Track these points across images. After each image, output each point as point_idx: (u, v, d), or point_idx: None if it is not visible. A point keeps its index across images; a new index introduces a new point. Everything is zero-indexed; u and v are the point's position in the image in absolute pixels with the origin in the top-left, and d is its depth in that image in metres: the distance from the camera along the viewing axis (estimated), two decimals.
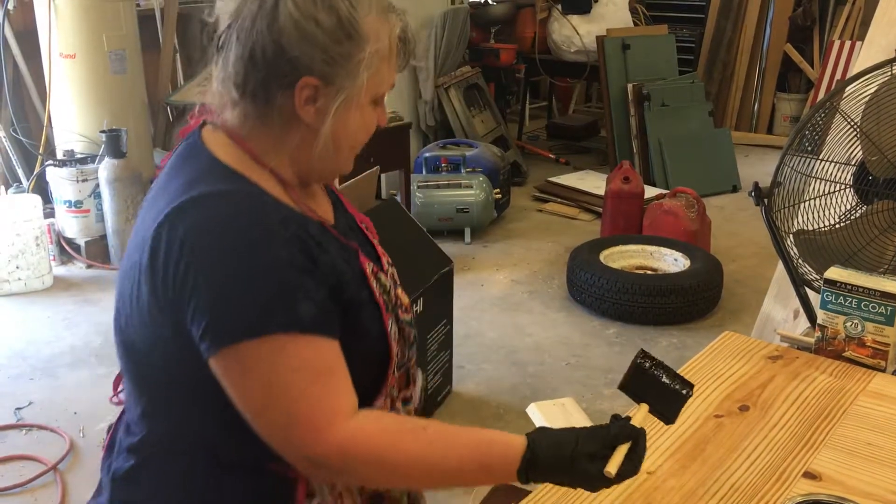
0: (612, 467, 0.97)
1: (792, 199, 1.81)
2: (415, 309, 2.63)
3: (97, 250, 4.32)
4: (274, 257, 0.95)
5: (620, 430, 1.00)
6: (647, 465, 1.24)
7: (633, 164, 5.47)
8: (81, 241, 4.30)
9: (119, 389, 1.19)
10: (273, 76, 0.99)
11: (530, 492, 1.23)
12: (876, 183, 1.75)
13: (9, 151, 4.54)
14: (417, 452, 0.98)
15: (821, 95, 6.28)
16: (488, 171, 4.78)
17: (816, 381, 1.49)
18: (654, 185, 5.34)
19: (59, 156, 4.33)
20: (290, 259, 0.96)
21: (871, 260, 1.75)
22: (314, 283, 0.97)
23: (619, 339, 3.60)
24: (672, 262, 4.02)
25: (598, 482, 0.99)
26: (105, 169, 4.14)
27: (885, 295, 1.49)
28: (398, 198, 4.11)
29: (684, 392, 1.07)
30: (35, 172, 4.44)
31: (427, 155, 4.87)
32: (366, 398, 1.04)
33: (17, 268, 3.96)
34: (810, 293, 1.84)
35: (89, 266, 4.28)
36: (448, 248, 4.01)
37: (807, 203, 1.80)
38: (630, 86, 5.64)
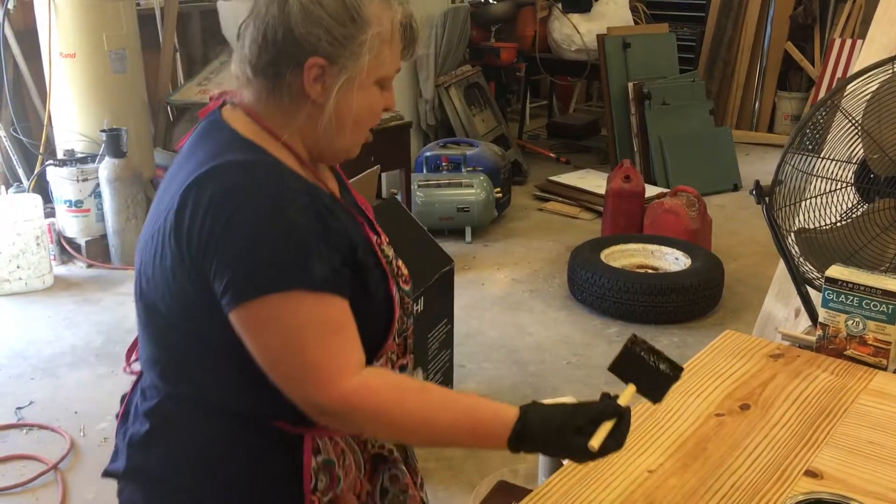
0: (596, 441, 1.03)
1: (793, 197, 1.81)
2: (416, 308, 2.63)
3: (97, 250, 4.32)
4: (292, 221, 1.03)
5: (605, 407, 1.07)
6: (648, 463, 1.24)
7: (634, 162, 5.47)
8: (82, 241, 4.30)
9: (132, 359, 1.26)
10: (282, 55, 1.07)
11: (531, 490, 1.23)
12: (877, 181, 1.74)
13: (9, 151, 4.54)
14: (416, 410, 1.06)
15: (821, 94, 6.27)
16: (489, 170, 4.78)
17: (818, 379, 1.49)
18: (654, 183, 5.34)
19: (60, 155, 4.34)
20: (306, 223, 1.04)
21: (872, 258, 1.74)
22: (327, 246, 1.05)
23: (620, 339, 3.60)
24: (673, 260, 4.02)
25: (582, 454, 1.05)
26: (105, 168, 4.14)
27: (887, 293, 1.49)
28: (399, 197, 4.10)
29: (671, 374, 1.12)
30: (35, 172, 4.44)
31: (428, 154, 4.87)
32: (368, 359, 1.10)
33: (18, 267, 3.96)
34: (811, 291, 1.84)
35: (90, 266, 4.28)
36: (449, 247, 4.01)
37: (808, 201, 1.80)
38: (631, 84, 5.64)
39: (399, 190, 4.34)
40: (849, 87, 1.75)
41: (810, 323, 1.88)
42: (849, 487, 1.19)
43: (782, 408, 1.40)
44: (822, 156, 1.79)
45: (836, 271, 1.56)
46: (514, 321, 3.76)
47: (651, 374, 1.12)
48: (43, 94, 4.50)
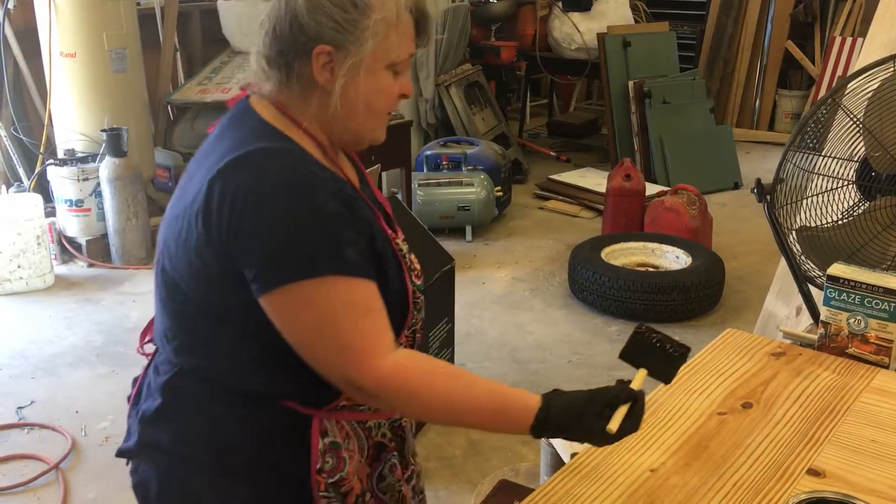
0: (614, 425, 1.09)
1: (794, 195, 1.80)
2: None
3: (98, 249, 4.32)
4: (322, 208, 1.07)
5: (621, 392, 1.12)
6: (650, 462, 1.24)
7: (635, 161, 5.47)
8: (82, 240, 4.30)
9: (146, 340, 1.31)
10: (290, 45, 1.12)
11: (532, 490, 1.22)
12: (879, 179, 1.74)
13: (10, 150, 4.54)
14: (445, 392, 1.12)
15: (822, 92, 6.26)
16: (489, 168, 4.77)
17: (819, 377, 1.49)
18: (655, 182, 5.34)
19: (60, 155, 4.33)
20: (335, 209, 1.08)
21: (874, 256, 1.74)
22: (354, 232, 1.10)
23: (621, 337, 3.59)
24: (673, 259, 4.02)
25: (602, 438, 1.11)
26: (106, 168, 4.14)
27: (889, 291, 1.49)
28: (399, 196, 4.10)
29: (679, 354, 1.18)
30: (36, 171, 4.44)
31: (428, 153, 4.87)
32: None
33: (19, 267, 3.96)
34: (813, 290, 1.83)
35: (90, 265, 4.28)
36: (449, 245, 4.01)
37: (809, 199, 1.80)
38: (631, 83, 5.64)
39: (399, 189, 4.34)
40: (850, 85, 1.75)
41: (812, 321, 1.88)
42: (851, 486, 1.18)
43: (784, 406, 1.40)
44: (823, 154, 1.79)
45: (837, 269, 1.56)
46: (514, 320, 3.75)
47: (660, 357, 1.18)
48: (43, 94, 4.50)
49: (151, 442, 1.21)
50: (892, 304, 1.49)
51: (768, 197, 1.81)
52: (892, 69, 1.71)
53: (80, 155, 4.30)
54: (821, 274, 1.76)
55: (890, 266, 1.72)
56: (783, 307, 2.58)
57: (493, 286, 4.11)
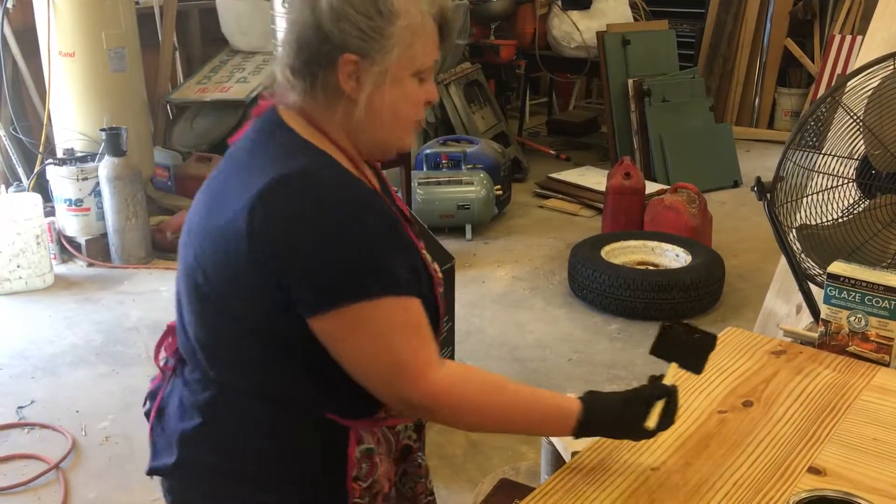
0: (652, 422, 1.16)
1: (794, 193, 1.80)
2: None
3: (98, 248, 4.31)
4: (370, 228, 1.08)
5: (655, 389, 1.19)
6: (651, 460, 1.24)
7: (634, 159, 5.47)
8: (82, 240, 4.30)
9: (167, 353, 1.30)
10: (315, 55, 1.10)
11: (533, 488, 1.22)
12: (879, 177, 1.74)
13: (9, 150, 4.54)
14: (494, 403, 1.15)
15: (821, 90, 6.26)
16: (489, 167, 4.77)
17: (820, 376, 1.49)
18: (654, 180, 5.33)
19: (59, 154, 4.33)
20: (382, 229, 1.09)
21: (874, 254, 1.74)
22: (398, 249, 1.12)
23: (621, 335, 3.60)
24: (673, 257, 4.02)
25: (640, 434, 1.18)
26: (105, 167, 4.14)
27: (889, 289, 1.49)
28: (399, 195, 4.10)
29: (707, 344, 1.23)
30: (35, 171, 4.44)
31: (428, 152, 4.87)
32: None
33: (18, 266, 3.96)
34: (813, 288, 1.83)
35: (90, 264, 4.27)
36: (449, 244, 4.01)
37: (809, 198, 1.80)
38: (630, 81, 5.63)
39: (399, 188, 4.33)
40: (850, 83, 1.74)
41: (812, 319, 1.88)
42: (852, 484, 1.18)
43: (785, 404, 1.40)
44: (823, 152, 1.79)
45: (837, 267, 1.55)
46: (514, 318, 3.75)
47: (688, 349, 1.23)
48: (42, 93, 4.49)
49: (193, 461, 1.20)
50: (893, 302, 1.49)
51: (768, 195, 1.81)
52: (892, 67, 1.71)
53: (79, 154, 4.30)
54: (821, 272, 1.76)
55: (890, 264, 1.72)
56: (783, 305, 2.57)
57: (492, 285, 4.11)
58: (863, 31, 3.80)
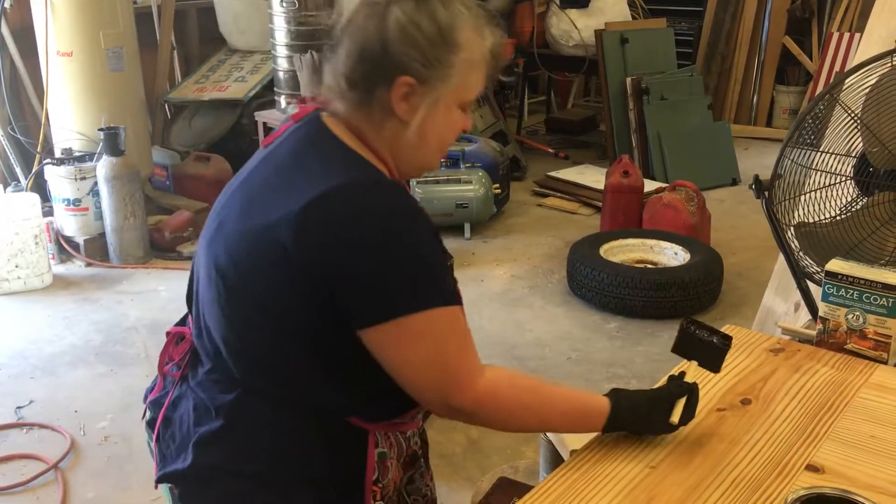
0: (676, 417, 1.23)
1: (792, 191, 1.80)
2: None
3: (96, 248, 4.31)
4: (422, 240, 1.12)
5: (678, 388, 1.25)
6: (649, 459, 1.24)
7: (633, 157, 5.46)
8: (80, 240, 4.30)
9: (174, 360, 1.29)
10: (376, 71, 1.12)
11: (532, 487, 1.22)
12: (876, 174, 1.74)
13: (6, 150, 4.54)
14: (533, 404, 1.21)
15: (820, 88, 6.26)
16: (487, 166, 4.77)
17: (818, 373, 1.49)
18: (653, 178, 5.33)
19: (57, 154, 4.33)
20: (431, 240, 1.14)
21: (872, 252, 1.74)
22: (443, 259, 1.16)
23: (620, 334, 3.60)
24: (672, 255, 4.02)
25: (664, 429, 1.25)
26: (103, 167, 4.13)
27: (887, 287, 1.49)
28: None
29: (723, 345, 1.29)
30: (33, 171, 4.44)
31: None
32: None
33: (17, 266, 3.95)
34: (811, 286, 1.83)
35: (88, 264, 4.27)
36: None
37: (807, 195, 1.80)
38: (629, 79, 5.63)
39: None
40: (848, 80, 1.74)
41: (810, 317, 1.88)
42: (850, 482, 1.18)
43: (783, 402, 1.40)
44: (821, 150, 1.79)
45: (835, 265, 1.55)
46: (513, 317, 3.75)
47: (706, 348, 1.29)
48: (40, 93, 4.49)
49: (211, 464, 1.19)
50: (891, 300, 1.49)
51: (766, 193, 1.80)
52: (889, 64, 1.71)
53: (77, 154, 4.29)
54: (819, 270, 1.76)
55: (888, 261, 1.72)
56: (781, 303, 2.58)
57: (491, 283, 4.11)
58: (861, 29, 3.80)
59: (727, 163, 5.66)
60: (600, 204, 4.72)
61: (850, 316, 1.54)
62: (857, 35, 5.81)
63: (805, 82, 6.78)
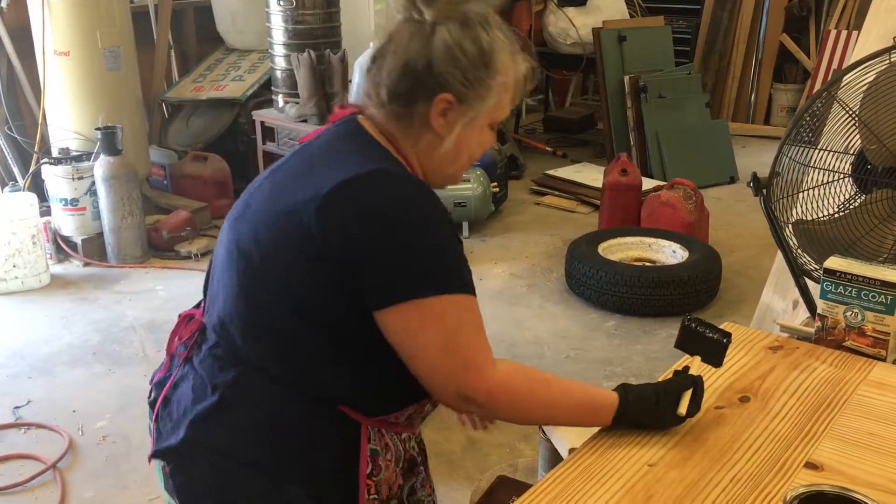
0: (683, 408, 1.26)
1: (790, 189, 1.80)
2: None
3: (94, 248, 4.31)
4: (449, 229, 1.17)
5: (684, 380, 1.27)
6: (648, 456, 1.23)
7: (631, 156, 5.46)
8: (78, 239, 4.29)
9: (183, 339, 1.31)
10: (419, 87, 1.19)
11: (530, 485, 1.22)
12: (874, 172, 1.74)
13: (4, 150, 4.53)
14: (544, 397, 1.23)
15: (817, 85, 6.26)
16: (485, 164, 4.76)
17: (817, 371, 1.49)
18: (651, 176, 5.34)
19: (55, 154, 4.32)
20: (455, 233, 1.18)
21: (870, 249, 1.74)
22: (463, 253, 1.20)
23: (619, 332, 3.60)
24: (670, 253, 4.02)
25: (672, 421, 1.27)
26: (101, 166, 4.13)
27: (885, 284, 1.49)
28: None
29: (724, 341, 1.32)
30: (30, 171, 4.43)
31: None
32: None
33: (14, 266, 3.95)
34: (810, 283, 1.83)
35: (86, 264, 4.27)
36: None
37: (805, 193, 1.80)
38: (627, 78, 5.63)
39: None
40: (846, 77, 1.74)
41: (809, 314, 1.88)
42: (849, 479, 1.18)
43: (782, 400, 1.40)
44: (819, 147, 1.79)
45: (834, 262, 1.55)
46: (512, 316, 3.75)
47: (709, 344, 1.32)
48: (37, 93, 4.48)
49: (200, 441, 1.21)
50: (889, 297, 1.49)
51: (764, 191, 1.80)
52: (887, 62, 1.71)
53: (74, 153, 4.29)
54: (817, 267, 1.76)
55: (886, 259, 1.72)
56: (780, 301, 2.58)
57: (490, 282, 4.11)
58: (858, 27, 3.80)
59: (725, 161, 5.66)
60: (598, 202, 4.72)
61: (848, 313, 1.54)
62: (855, 33, 5.81)
63: (803, 80, 6.79)
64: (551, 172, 5.40)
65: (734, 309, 3.79)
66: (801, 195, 1.80)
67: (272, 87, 4.73)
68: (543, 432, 1.70)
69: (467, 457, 2.72)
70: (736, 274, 4.13)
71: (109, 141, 4.10)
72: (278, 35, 4.48)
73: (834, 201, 1.78)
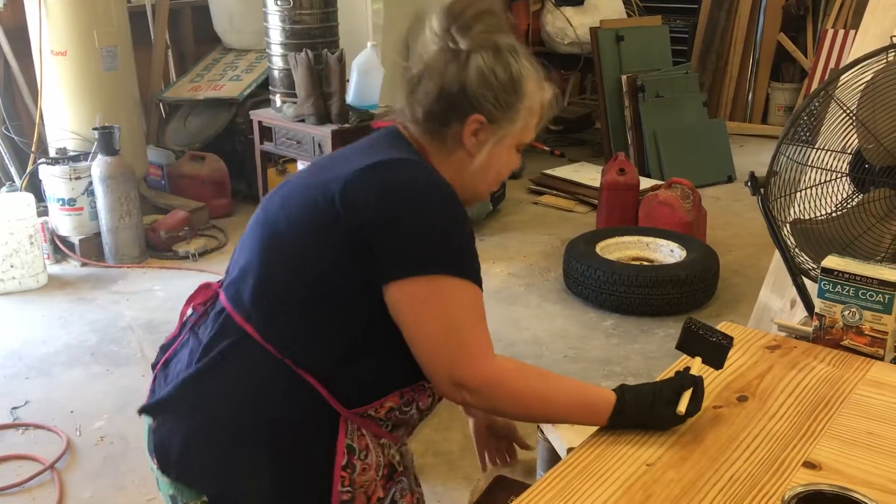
0: (682, 407, 1.26)
1: (788, 188, 1.80)
2: None
3: (91, 248, 4.30)
4: (465, 219, 1.24)
5: (683, 379, 1.28)
6: (646, 456, 1.24)
7: (628, 155, 5.46)
8: (75, 239, 4.29)
9: (195, 304, 1.37)
10: (453, 108, 1.28)
11: (529, 485, 1.22)
12: (872, 171, 1.74)
13: (1, 150, 4.52)
14: (540, 391, 1.26)
15: (815, 85, 6.27)
16: None
17: (815, 370, 1.49)
18: (649, 176, 5.34)
19: (52, 154, 4.32)
20: (469, 224, 1.24)
21: (868, 248, 1.74)
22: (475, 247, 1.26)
23: (617, 331, 3.60)
24: (668, 252, 4.02)
25: (671, 421, 1.27)
26: (98, 166, 4.12)
27: (883, 283, 1.49)
28: None
29: (725, 343, 1.34)
30: (28, 171, 4.43)
31: None
32: None
33: (12, 266, 3.94)
34: (807, 282, 1.83)
35: (84, 264, 4.26)
36: None
37: (803, 192, 1.80)
38: (624, 77, 5.63)
39: None
40: (843, 77, 1.74)
41: (806, 314, 1.88)
42: (847, 478, 1.18)
43: (780, 399, 1.40)
44: (816, 146, 1.79)
45: (831, 262, 1.55)
46: (510, 315, 3.75)
47: (710, 346, 1.33)
48: (34, 93, 4.48)
49: (186, 397, 1.24)
50: (887, 296, 1.49)
51: (762, 190, 1.80)
52: (884, 61, 1.71)
53: (71, 153, 4.28)
54: (815, 266, 1.76)
55: (884, 258, 1.72)
56: (777, 300, 2.58)
57: (488, 282, 4.09)
58: (856, 26, 3.80)
59: (723, 160, 5.67)
60: (596, 202, 4.72)
61: (846, 312, 1.54)
62: (852, 32, 5.81)
63: (800, 79, 6.79)
64: (549, 172, 5.40)
65: (732, 308, 3.79)
66: (798, 194, 1.80)
67: (269, 87, 4.72)
68: (542, 432, 1.70)
69: (465, 456, 2.72)
70: (733, 273, 4.13)
71: (107, 141, 4.10)
72: (275, 35, 4.47)
73: (831, 200, 1.78)
